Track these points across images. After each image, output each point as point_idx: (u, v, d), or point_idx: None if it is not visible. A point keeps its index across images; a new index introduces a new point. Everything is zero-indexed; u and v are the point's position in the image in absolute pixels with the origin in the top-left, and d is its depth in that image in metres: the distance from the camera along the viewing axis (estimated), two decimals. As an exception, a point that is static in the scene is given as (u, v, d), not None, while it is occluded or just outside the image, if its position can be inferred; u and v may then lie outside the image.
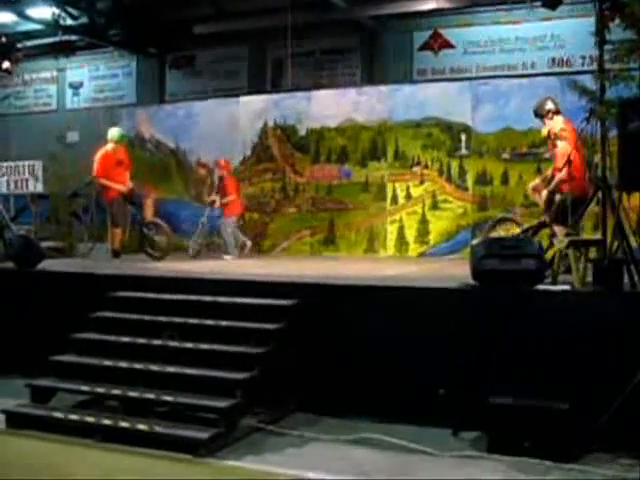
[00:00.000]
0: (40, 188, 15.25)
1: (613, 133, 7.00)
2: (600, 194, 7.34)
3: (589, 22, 8.03)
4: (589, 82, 8.31)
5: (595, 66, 7.96)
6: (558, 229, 8.76)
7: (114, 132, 11.97)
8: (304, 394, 7.16)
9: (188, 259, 11.93)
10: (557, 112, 9.14)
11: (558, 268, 7.50)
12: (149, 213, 11.53)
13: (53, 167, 15.14)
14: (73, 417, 6.74)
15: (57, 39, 17.17)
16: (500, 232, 9.84)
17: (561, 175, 8.75)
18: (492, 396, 6.19)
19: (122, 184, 11.50)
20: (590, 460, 5.85)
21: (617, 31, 8.32)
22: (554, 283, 7.27)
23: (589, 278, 7.02)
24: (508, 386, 6.28)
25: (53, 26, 16.29)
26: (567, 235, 8.21)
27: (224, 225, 12.44)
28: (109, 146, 11.79)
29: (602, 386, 6.06)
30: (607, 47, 7.86)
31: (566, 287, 6.95)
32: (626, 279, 6.84)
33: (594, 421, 5.88)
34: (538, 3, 9.80)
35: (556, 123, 9.20)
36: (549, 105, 9.18)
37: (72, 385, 7.21)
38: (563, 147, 8.95)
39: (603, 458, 5.87)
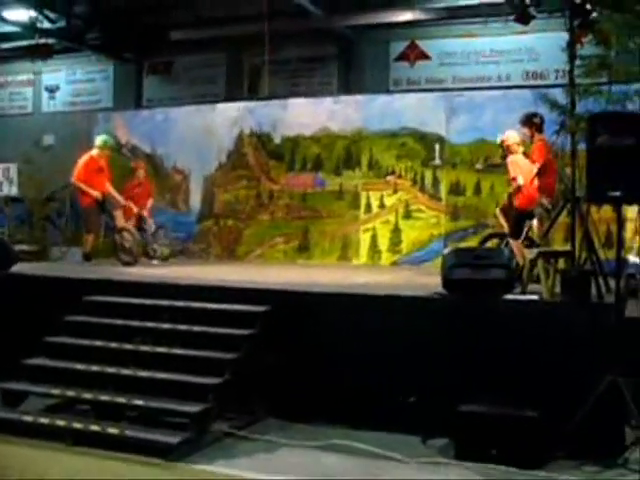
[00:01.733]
0: (14, 191, 15.25)
1: (582, 146, 7.11)
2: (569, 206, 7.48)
3: (562, 36, 8.15)
4: (561, 96, 8.46)
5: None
6: (513, 242, 8.93)
7: (99, 139, 11.98)
8: (275, 400, 7.20)
9: (162, 264, 11.92)
10: (539, 129, 9.25)
11: (527, 278, 7.62)
12: (121, 219, 11.50)
13: (28, 170, 15.11)
14: (43, 421, 6.72)
15: (34, 42, 17.11)
16: None
17: (518, 182, 8.98)
18: (461, 404, 6.27)
19: (99, 191, 11.47)
20: (555, 467, 5.93)
21: (589, 46, 8.49)
22: (523, 293, 7.38)
23: (558, 288, 7.13)
24: (477, 394, 6.36)
25: (30, 29, 16.25)
26: (531, 246, 8.40)
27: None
28: (94, 152, 11.78)
29: (569, 394, 6.16)
30: (578, 62, 8.01)
31: (535, 297, 7.06)
32: (594, 290, 6.97)
33: (560, 428, 5.96)
34: (512, 17, 9.99)
35: (514, 137, 9.38)
36: (536, 120, 9.28)
37: (43, 389, 7.20)
38: (512, 160, 9.17)
39: (568, 465, 5.95)
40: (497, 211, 9.87)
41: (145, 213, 12.42)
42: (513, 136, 9.39)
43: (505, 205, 9.65)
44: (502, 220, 9.61)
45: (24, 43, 17.35)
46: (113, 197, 11.88)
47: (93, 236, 11.74)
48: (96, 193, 11.44)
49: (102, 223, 11.73)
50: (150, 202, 12.64)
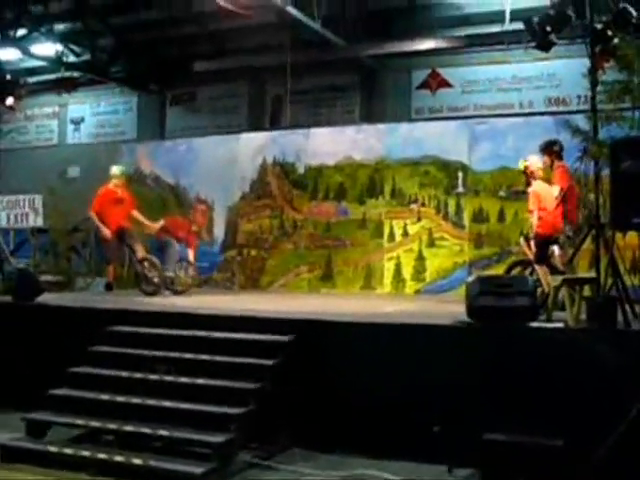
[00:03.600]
0: (40, 222, 15.39)
1: (606, 172, 7.07)
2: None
3: (584, 62, 8.15)
4: (584, 122, 8.44)
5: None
6: (539, 268, 8.88)
7: (114, 168, 12.06)
8: (299, 429, 7.16)
9: (185, 295, 11.95)
10: (559, 156, 9.21)
11: (552, 306, 7.56)
12: (141, 250, 11.54)
13: (53, 201, 15.25)
14: (68, 451, 6.73)
15: (59, 75, 17.37)
16: None
17: (533, 220, 8.97)
18: (486, 432, 6.20)
19: (116, 223, 11.50)
20: (584, 497, 5.86)
21: (611, 72, 8.48)
22: (548, 320, 7.32)
23: (583, 316, 7.06)
24: (503, 423, 6.30)
25: (56, 63, 16.52)
26: (554, 273, 8.35)
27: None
28: (111, 183, 11.85)
29: (596, 423, 6.07)
30: (600, 88, 8.00)
31: (560, 325, 7.00)
32: (620, 317, 6.90)
33: (588, 458, 5.88)
34: (533, 44, 9.99)
35: (537, 163, 9.36)
36: (556, 148, 9.24)
37: (67, 419, 7.20)
38: (533, 190, 9.13)
39: (597, 495, 5.88)
40: (521, 240, 9.80)
41: (191, 253, 12.60)
42: (536, 162, 9.36)
43: (529, 233, 9.60)
44: (526, 248, 9.55)
45: (50, 77, 17.68)
46: (142, 223, 12.00)
47: (114, 266, 11.80)
48: (106, 232, 11.48)
49: (124, 254, 11.76)
50: (191, 254, 12.98)
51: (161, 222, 12.49)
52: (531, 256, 9.39)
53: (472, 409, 6.54)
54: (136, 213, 11.94)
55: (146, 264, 11.47)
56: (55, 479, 6.39)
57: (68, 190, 15.40)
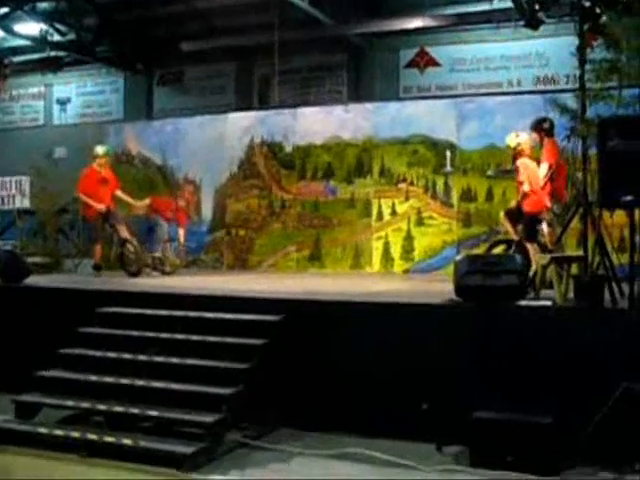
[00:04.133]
0: (27, 204, 15.32)
1: (594, 151, 7.08)
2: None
3: (573, 41, 8.13)
4: (572, 100, 8.44)
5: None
6: (529, 245, 8.91)
7: (97, 148, 12.03)
8: (289, 409, 7.19)
9: (175, 275, 11.95)
10: (548, 134, 9.21)
11: (540, 284, 7.59)
12: (124, 231, 11.54)
13: (40, 183, 15.18)
14: (58, 432, 6.74)
15: (45, 55, 17.24)
16: None
17: (524, 189, 8.97)
18: (475, 411, 6.24)
19: (103, 203, 11.52)
20: (572, 474, 5.90)
21: (599, 50, 8.47)
22: (536, 299, 7.35)
23: (571, 294, 7.10)
24: (491, 401, 6.33)
25: (41, 42, 16.38)
26: (543, 251, 8.40)
27: None
28: (95, 164, 11.82)
29: (584, 400, 6.12)
30: (589, 66, 8.00)
31: (548, 303, 7.02)
32: (607, 295, 6.93)
33: (576, 435, 5.93)
34: (522, 23, 9.99)
35: (528, 141, 9.37)
36: (545, 125, 9.25)
37: (57, 400, 7.20)
38: (522, 163, 9.15)
39: (585, 472, 5.93)
40: (502, 215, 9.81)
41: (181, 232, 12.70)
42: (526, 140, 9.37)
43: (511, 209, 9.61)
44: (507, 225, 9.57)
45: (35, 56, 17.52)
46: (127, 202, 12.09)
47: (101, 247, 11.79)
48: (100, 206, 11.48)
49: (109, 234, 11.74)
50: (181, 233, 12.88)
51: (147, 201, 12.52)
52: (512, 232, 9.43)
53: (461, 387, 6.58)
54: (120, 193, 11.97)
55: (128, 246, 11.47)
56: (45, 460, 6.40)
57: (55, 171, 15.32)
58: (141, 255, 11.60)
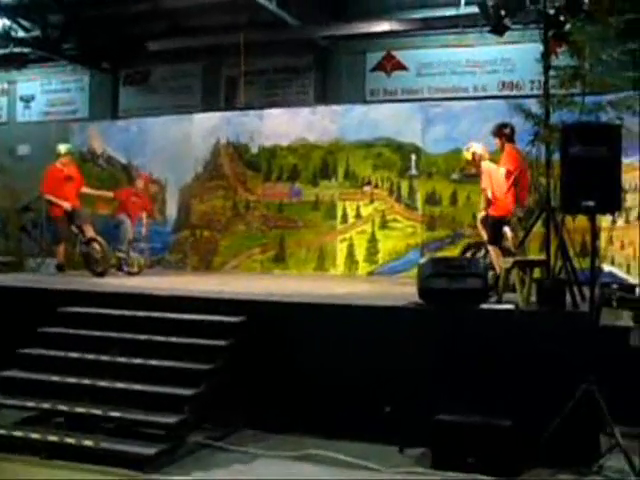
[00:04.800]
0: (-11, 201, 15.13)
1: (557, 156, 7.16)
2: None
3: (538, 48, 8.24)
4: (536, 106, 8.53)
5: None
6: (491, 248, 9.00)
7: (61, 147, 11.96)
8: (252, 410, 7.19)
9: (137, 275, 11.87)
10: (510, 139, 9.29)
11: (503, 287, 7.66)
12: (90, 230, 11.46)
13: (3, 180, 15.02)
14: (18, 434, 6.67)
15: (8, 51, 17.02)
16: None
17: (487, 196, 9.06)
18: (437, 413, 6.28)
19: (68, 201, 11.45)
20: (532, 475, 5.99)
21: (564, 57, 8.57)
22: (499, 302, 7.42)
23: (533, 297, 7.17)
24: (453, 403, 6.38)
25: (4, 38, 16.17)
26: (506, 255, 8.48)
27: None
28: (57, 162, 11.75)
29: (544, 403, 6.19)
30: (553, 73, 8.09)
31: (510, 306, 7.10)
32: (569, 299, 7.02)
33: (536, 437, 5.99)
34: (487, 28, 10.07)
35: (480, 148, 9.48)
36: (506, 130, 9.32)
37: (17, 401, 7.12)
38: (484, 170, 9.25)
39: (545, 473, 6.02)
40: (478, 221, 9.88)
41: (143, 227, 12.64)
42: (479, 146, 9.49)
43: (483, 216, 9.70)
44: (482, 231, 9.66)
45: (-2, 52, 17.29)
46: (92, 195, 12.30)
47: (64, 247, 11.71)
48: (66, 204, 11.41)
49: (74, 234, 11.63)
50: (144, 215, 12.73)
51: (110, 193, 12.60)
52: (486, 237, 9.51)
53: (423, 390, 6.62)
54: (86, 189, 11.93)
55: (95, 245, 11.38)
56: (4, 462, 6.32)
57: (18, 169, 15.20)
58: (108, 255, 11.52)
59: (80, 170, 12.17)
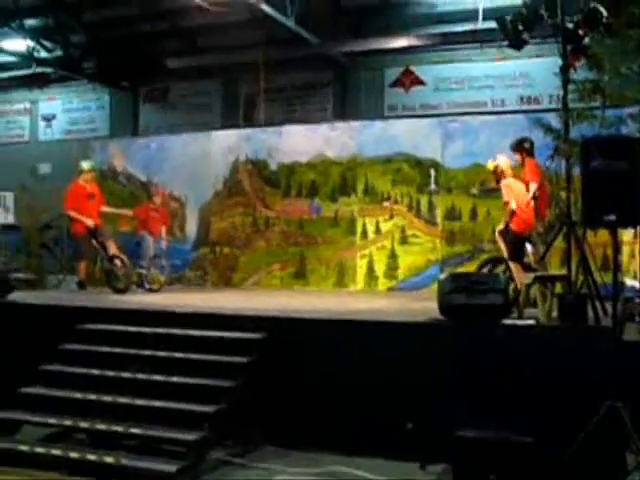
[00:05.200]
0: (11, 219, 15.24)
1: (577, 171, 7.13)
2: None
3: (556, 61, 8.21)
4: (555, 120, 8.50)
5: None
6: (512, 265, 8.94)
7: (82, 164, 12.01)
8: (273, 427, 7.16)
9: (158, 292, 11.89)
10: (529, 153, 9.24)
11: (524, 303, 7.61)
12: (113, 247, 11.49)
13: (24, 199, 15.12)
14: (39, 450, 6.68)
15: (31, 71, 17.22)
16: None
17: (511, 208, 8.99)
18: (458, 429, 6.24)
19: (91, 218, 11.49)
20: (554, 493, 5.91)
21: (582, 71, 8.55)
22: (520, 318, 7.37)
23: (555, 313, 7.12)
24: (474, 419, 6.32)
25: (27, 58, 16.37)
26: (527, 270, 8.42)
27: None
28: (80, 179, 11.80)
29: (567, 419, 6.13)
30: (572, 86, 8.06)
31: (532, 322, 7.05)
32: (591, 314, 6.96)
33: (558, 455, 5.93)
34: (506, 43, 10.05)
35: (506, 162, 9.43)
36: (526, 145, 9.28)
37: (39, 418, 7.14)
38: (506, 184, 9.19)
39: (568, 491, 5.94)
40: (497, 234, 9.84)
41: (163, 242, 12.67)
42: (505, 161, 9.43)
43: (502, 229, 9.65)
44: (501, 243, 9.60)
45: (21, 72, 17.50)
46: (113, 213, 12.27)
47: (86, 264, 11.75)
48: (89, 222, 11.43)
49: (96, 251, 11.65)
50: (164, 230, 12.75)
51: (130, 212, 12.69)
52: (505, 250, 9.45)
53: (444, 406, 6.57)
54: (106, 207, 11.98)
55: (117, 261, 11.41)
56: (26, 478, 6.34)
57: (39, 187, 15.28)
58: (130, 272, 11.54)
59: (101, 188, 12.22)
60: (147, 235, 12.39)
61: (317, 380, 7.18)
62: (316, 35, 14.78)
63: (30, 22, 16.01)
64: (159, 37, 16.52)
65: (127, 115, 18.38)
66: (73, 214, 11.54)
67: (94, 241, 11.52)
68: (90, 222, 11.41)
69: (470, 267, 11.41)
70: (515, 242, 9.05)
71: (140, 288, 11.93)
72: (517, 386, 6.42)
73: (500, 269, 9.37)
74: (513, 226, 9.03)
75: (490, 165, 9.59)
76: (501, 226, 9.56)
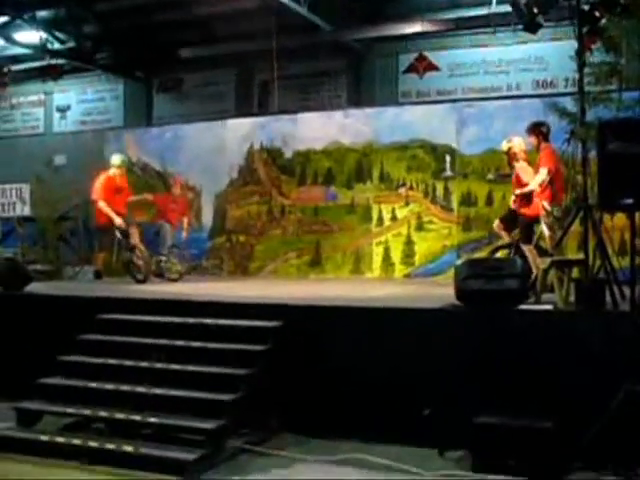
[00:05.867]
0: (27, 211, 15.32)
1: (593, 154, 7.08)
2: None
3: (571, 44, 8.13)
4: (571, 104, 8.44)
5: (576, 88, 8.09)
6: (526, 248, 8.91)
7: (115, 158, 11.96)
8: (290, 415, 7.18)
9: (175, 282, 11.92)
10: (546, 138, 9.19)
11: (541, 288, 7.58)
12: (135, 236, 11.48)
13: (40, 190, 15.18)
14: (59, 440, 6.72)
15: (44, 63, 17.24)
16: None
17: (532, 187, 8.93)
18: (477, 415, 6.23)
19: (119, 212, 11.42)
20: (574, 478, 5.89)
21: (598, 53, 8.47)
22: (537, 303, 7.34)
23: (572, 297, 7.08)
24: (492, 405, 6.32)
25: (40, 50, 16.39)
26: (543, 255, 8.39)
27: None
28: (111, 171, 11.75)
29: (585, 404, 6.10)
30: (588, 69, 7.99)
31: (549, 307, 7.02)
32: (608, 298, 6.92)
33: (578, 439, 5.91)
34: (520, 27, 9.99)
35: (520, 144, 9.38)
36: (543, 129, 9.21)
37: (58, 408, 7.19)
38: (522, 167, 9.16)
39: (587, 476, 5.91)
40: (496, 224, 9.80)
41: (184, 232, 12.72)
42: (519, 143, 9.38)
43: (504, 216, 9.63)
44: (502, 233, 9.60)
45: (35, 64, 17.54)
46: (140, 200, 12.26)
47: (105, 254, 11.77)
48: (119, 221, 11.35)
49: (115, 242, 11.65)
50: (185, 220, 12.78)
51: (150, 196, 12.70)
52: (507, 239, 9.45)
53: (462, 392, 6.56)
54: (132, 198, 12.04)
55: (137, 252, 11.43)
56: (47, 468, 6.38)
57: (55, 178, 15.31)
58: (149, 262, 11.54)
59: (128, 181, 12.16)
60: (165, 224, 12.40)
61: (334, 367, 7.18)
62: (329, 22, 14.73)
63: (42, 14, 16.01)
64: (172, 27, 16.47)
65: (141, 105, 18.39)
66: (104, 207, 11.42)
67: (117, 232, 11.45)
68: (118, 221, 11.32)
69: (486, 253, 11.36)
70: (526, 226, 9.03)
71: (158, 277, 11.95)
72: (535, 371, 6.39)
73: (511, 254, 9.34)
74: (525, 210, 8.99)
75: (504, 146, 9.57)
76: (497, 220, 9.56)
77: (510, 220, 9.41)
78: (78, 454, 6.45)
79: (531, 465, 5.90)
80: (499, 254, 9.81)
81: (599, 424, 5.84)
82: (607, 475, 5.87)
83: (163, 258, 12.09)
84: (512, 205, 9.51)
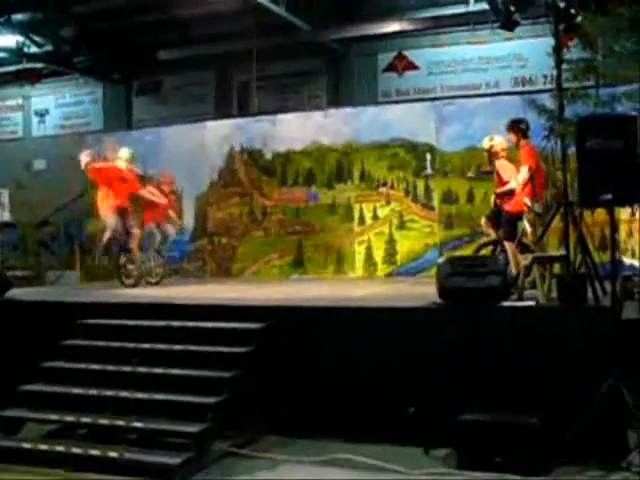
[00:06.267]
0: (7, 217, 15.21)
1: (572, 150, 7.11)
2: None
3: (549, 42, 8.17)
4: (550, 100, 8.47)
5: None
6: (508, 245, 8.93)
7: (124, 150, 11.75)
8: (275, 416, 7.16)
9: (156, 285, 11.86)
10: (525, 135, 9.22)
11: (523, 284, 7.60)
12: (135, 240, 11.28)
13: (20, 195, 15.10)
14: (43, 447, 6.66)
15: (22, 67, 17.15)
16: None
17: (512, 186, 8.96)
18: (461, 413, 6.23)
19: (119, 200, 11.11)
20: (560, 473, 5.91)
21: (576, 50, 8.51)
22: (520, 299, 7.36)
23: (554, 293, 7.11)
24: (477, 402, 6.33)
25: (17, 54, 16.30)
26: (522, 251, 8.42)
27: None
28: (118, 162, 11.53)
29: (569, 399, 6.13)
30: (565, 66, 8.03)
31: (531, 303, 7.04)
32: (590, 294, 6.95)
33: (563, 434, 5.93)
34: (498, 24, 10.04)
35: (502, 143, 9.41)
36: (522, 126, 9.24)
37: (41, 415, 7.13)
38: (502, 164, 9.19)
39: (572, 470, 5.94)
40: (483, 221, 9.84)
41: (169, 228, 12.38)
42: (501, 142, 9.41)
43: (490, 214, 9.65)
44: (490, 230, 9.62)
45: (12, 68, 17.45)
46: (152, 200, 11.87)
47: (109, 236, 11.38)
48: (112, 222, 11.04)
49: (103, 240, 11.39)
50: (172, 213, 12.49)
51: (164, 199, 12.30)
52: (494, 236, 9.47)
53: (447, 390, 6.57)
54: (144, 192, 11.75)
55: (132, 256, 11.30)
56: (30, 476, 6.33)
57: (35, 183, 15.26)
58: (141, 268, 11.41)
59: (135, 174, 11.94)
60: (155, 229, 12.22)
61: (318, 368, 7.17)
62: (308, 22, 14.73)
63: (19, 17, 15.89)
64: (150, 29, 16.43)
65: (120, 108, 18.33)
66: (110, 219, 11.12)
67: (120, 221, 11.23)
68: (112, 222, 11.04)
69: (469, 250, 11.40)
70: (509, 223, 9.05)
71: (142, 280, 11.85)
72: (518, 367, 6.41)
73: (497, 251, 9.37)
74: (507, 207, 9.02)
75: (486, 143, 9.57)
76: (483, 218, 9.58)
77: (496, 217, 9.42)
78: (62, 461, 6.40)
79: (517, 461, 5.91)
80: (484, 251, 9.85)
81: (583, 419, 5.86)
82: (592, 469, 5.90)
83: (145, 262, 11.97)
84: (493, 204, 9.54)
